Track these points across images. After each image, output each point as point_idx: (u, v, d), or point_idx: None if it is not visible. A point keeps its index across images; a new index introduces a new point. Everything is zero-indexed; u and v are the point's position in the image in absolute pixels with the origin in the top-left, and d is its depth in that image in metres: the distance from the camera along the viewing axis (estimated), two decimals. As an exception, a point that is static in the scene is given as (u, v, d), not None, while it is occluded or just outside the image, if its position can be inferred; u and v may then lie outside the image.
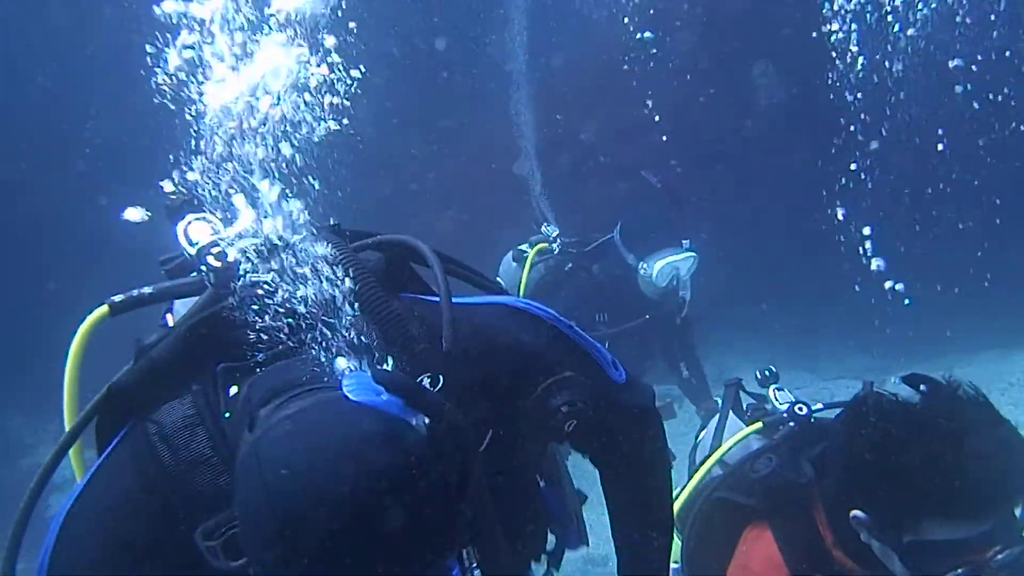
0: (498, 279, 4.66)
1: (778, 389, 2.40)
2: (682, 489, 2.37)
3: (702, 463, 2.41)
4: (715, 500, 2.21)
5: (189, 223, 1.69)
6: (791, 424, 2.24)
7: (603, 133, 8.81)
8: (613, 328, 4.36)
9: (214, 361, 1.40)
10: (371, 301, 1.45)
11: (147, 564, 1.32)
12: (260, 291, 1.41)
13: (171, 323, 1.67)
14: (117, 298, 1.55)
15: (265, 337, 1.40)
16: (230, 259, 1.49)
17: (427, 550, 1.13)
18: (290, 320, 1.39)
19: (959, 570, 1.71)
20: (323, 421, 1.14)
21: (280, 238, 1.45)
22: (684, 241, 4.42)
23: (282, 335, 1.39)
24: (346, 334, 1.36)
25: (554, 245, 4.70)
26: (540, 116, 6.91)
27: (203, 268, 1.53)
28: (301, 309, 1.38)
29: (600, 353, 1.72)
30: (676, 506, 2.33)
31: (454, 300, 1.55)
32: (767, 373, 2.46)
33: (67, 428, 1.48)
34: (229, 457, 1.30)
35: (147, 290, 1.56)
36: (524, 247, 4.74)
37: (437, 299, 1.55)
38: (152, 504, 1.34)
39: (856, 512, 1.81)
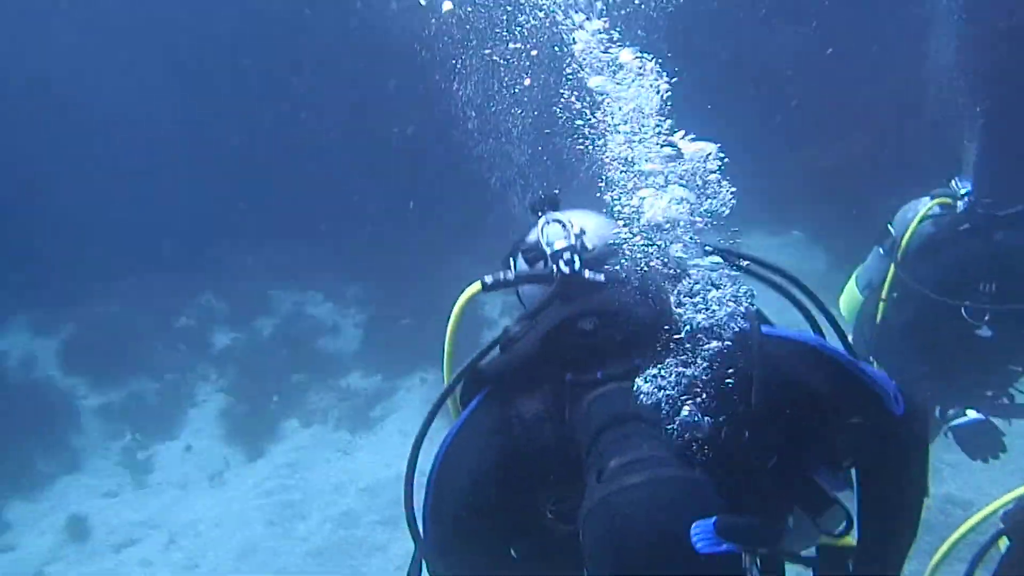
0: (889, 226, 4.37)
1: None
2: None
3: None
4: None
5: (548, 222, 1.96)
6: None
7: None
8: (998, 304, 3.86)
9: (562, 369, 1.69)
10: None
11: (496, 520, 1.70)
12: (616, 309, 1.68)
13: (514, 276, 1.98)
14: (488, 279, 1.95)
15: (610, 352, 1.67)
16: (576, 267, 1.80)
17: None
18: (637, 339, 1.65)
19: None
20: (657, 505, 1.38)
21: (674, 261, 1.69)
22: None
23: (627, 355, 1.65)
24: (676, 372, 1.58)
25: (959, 202, 4.24)
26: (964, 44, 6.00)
27: (555, 269, 1.83)
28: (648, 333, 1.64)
29: (884, 388, 1.79)
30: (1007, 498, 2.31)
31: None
32: None
33: (445, 382, 1.89)
34: (567, 451, 1.62)
35: (510, 275, 1.96)
36: (925, 199, 4.34)
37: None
38: (504, 472, 1.68)
39: None
